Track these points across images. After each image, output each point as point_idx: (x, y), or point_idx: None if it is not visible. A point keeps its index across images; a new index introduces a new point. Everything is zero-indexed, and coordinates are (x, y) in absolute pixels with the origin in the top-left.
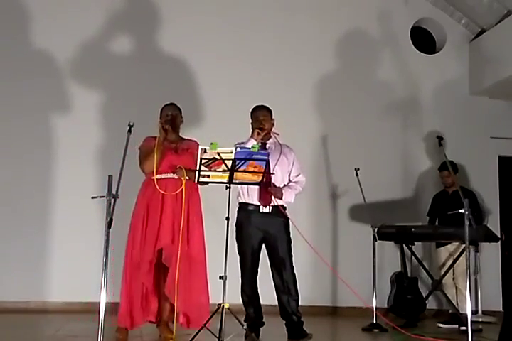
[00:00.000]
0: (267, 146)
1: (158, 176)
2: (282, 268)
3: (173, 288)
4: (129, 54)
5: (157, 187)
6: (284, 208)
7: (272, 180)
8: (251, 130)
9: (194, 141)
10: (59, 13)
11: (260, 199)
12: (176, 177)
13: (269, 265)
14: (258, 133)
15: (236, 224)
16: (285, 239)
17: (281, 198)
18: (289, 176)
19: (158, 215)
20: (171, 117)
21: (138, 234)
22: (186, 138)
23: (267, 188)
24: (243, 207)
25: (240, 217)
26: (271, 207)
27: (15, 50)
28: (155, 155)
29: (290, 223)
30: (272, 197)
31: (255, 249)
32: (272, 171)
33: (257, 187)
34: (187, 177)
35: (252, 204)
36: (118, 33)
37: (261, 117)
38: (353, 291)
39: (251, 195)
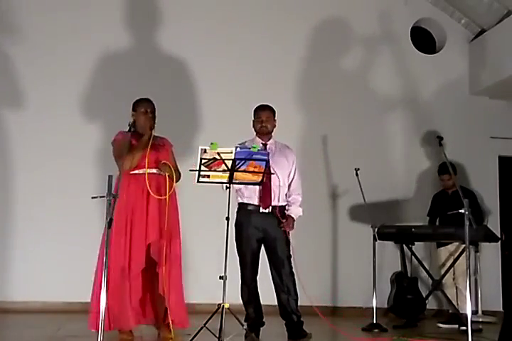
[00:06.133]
0: (268, 147)
1: (141, 171)
2: (281, 267)
3: (165, 287)
4: (130, 54)
5: (145, 183)
6: (283, 208)
7: (272, 181)
8: (252, 127)
9: (166, 138)
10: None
11: (260, 201)
12: (158, 173)
13: (268, 265)
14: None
15: (235, 225)
16: (284, 239)
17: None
18: (289, 177)
19: (144, 214)
20: (152, 114)
21: (122, 235)
22: (157, 134)
23: (266, 190)
24: (242, 207)
25: (240, 218)
26: (270, 207)
27: (13, 50)
28: (139, 152)
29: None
30: (272, 198)
31: (255, 249)
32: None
33: (256, 187)
34: (167, 174)
35: (252, 205)
36: (119, 33)
37: (264, 118)
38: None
39: (250, 196)
